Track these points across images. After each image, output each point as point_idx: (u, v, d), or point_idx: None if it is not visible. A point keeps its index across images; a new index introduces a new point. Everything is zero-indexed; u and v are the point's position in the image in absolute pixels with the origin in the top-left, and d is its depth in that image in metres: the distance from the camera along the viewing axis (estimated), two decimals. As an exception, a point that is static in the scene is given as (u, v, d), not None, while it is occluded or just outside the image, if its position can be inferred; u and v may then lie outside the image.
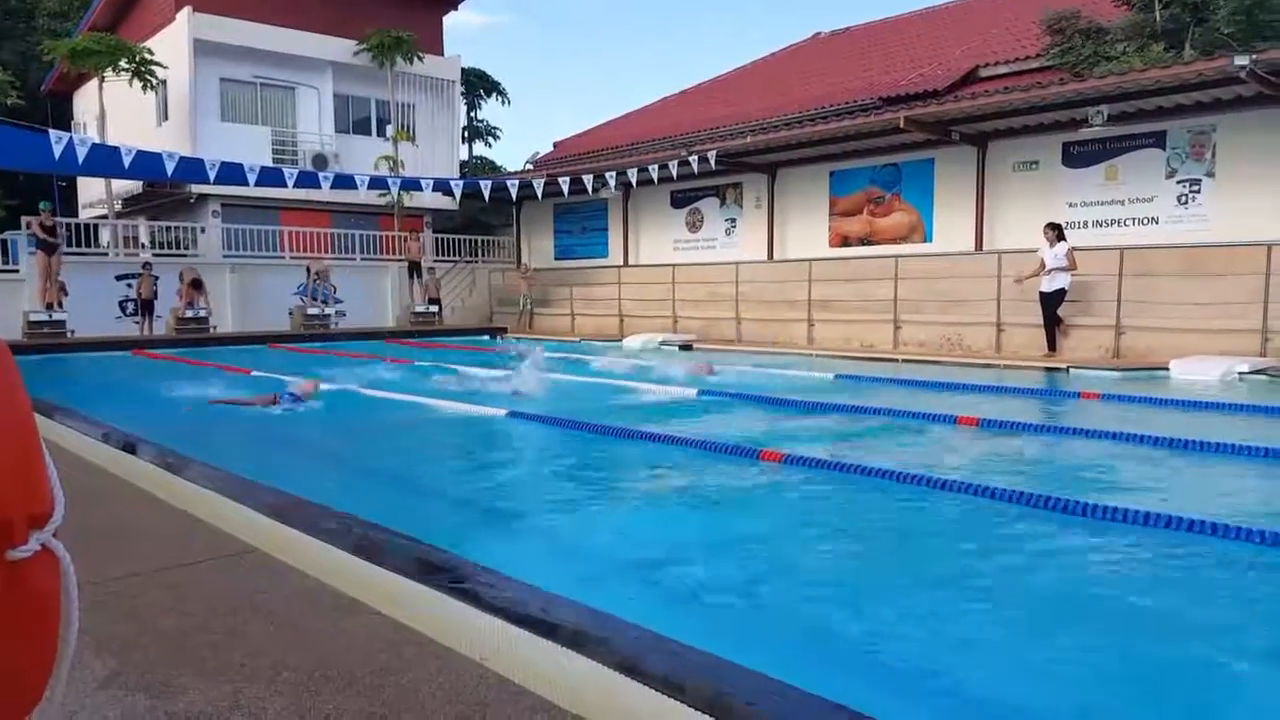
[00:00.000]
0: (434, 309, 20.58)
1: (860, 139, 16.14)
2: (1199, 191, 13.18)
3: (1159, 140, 13.53)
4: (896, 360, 12.95)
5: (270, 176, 16.63)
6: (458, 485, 5.71)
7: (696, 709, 1.87)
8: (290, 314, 18.84)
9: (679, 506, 4.91)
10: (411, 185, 20.25)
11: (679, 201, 20.94)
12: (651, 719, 1.92)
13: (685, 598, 3.42)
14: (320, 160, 22.67)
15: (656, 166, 18.15)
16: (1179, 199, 13.37)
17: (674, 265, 19.36)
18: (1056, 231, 12.32)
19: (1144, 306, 12.13)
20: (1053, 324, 12.43)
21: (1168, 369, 10.15)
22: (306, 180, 17.63)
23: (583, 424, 7.07)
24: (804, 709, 1.94)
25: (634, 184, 19.22)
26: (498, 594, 2.68)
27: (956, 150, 15.62)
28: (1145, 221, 13.67)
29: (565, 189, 19.15)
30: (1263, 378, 9.66)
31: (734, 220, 19.89)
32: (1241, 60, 10.61)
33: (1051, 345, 12.44)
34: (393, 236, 22.99)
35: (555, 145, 29.50)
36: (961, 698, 2.60)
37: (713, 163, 17.31)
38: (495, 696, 2.03)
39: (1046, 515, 4.35)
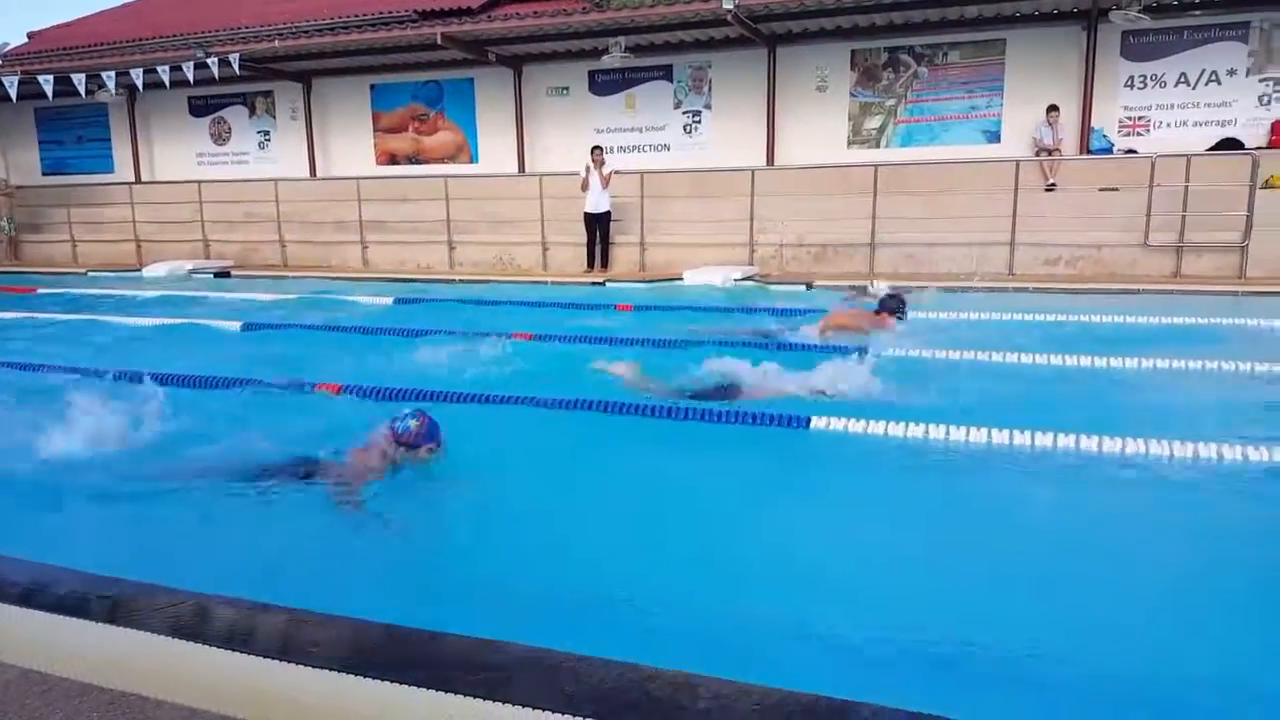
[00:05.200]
0: None
1: (399, 52, 15.68)
2: (700, 122, 15.09)
3: (668, 73, 15.14)
4: (454, 281, 13.13)
5: None
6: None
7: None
8: None
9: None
10: None
11: (199, 110, 18.63)
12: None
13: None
14: None
15: (168, 68, 15.86)
16: (685, 128, 15.18)
17: (200, 182, 17.27)
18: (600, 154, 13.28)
19: (662, 225, 13.69)
20: (596, 243, 13.47)
21: (683, 279, 11.64)
22: None
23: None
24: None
25: (140, 87, 16.58)
26: None
27: (495, 71, 15.94)
28: (660, 148, 15.33)
29: (49, 90, 15.96)
30: (750, 283, 11.55)
31: (268, 133, 18.27)
32: (728, 4, 12.17)
33: (591, 263, 13.53)
34: None
35: (30, 36, 24.22)
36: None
37: (236, 67, 15.57)
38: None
39: (592, 416, 4.83)
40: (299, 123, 17.72)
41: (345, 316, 9.39)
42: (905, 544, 3.37)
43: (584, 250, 13.62)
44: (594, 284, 12.11)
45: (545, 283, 12.50)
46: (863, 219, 12.40)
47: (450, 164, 16.66)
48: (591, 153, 13.27)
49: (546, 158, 15.83)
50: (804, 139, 14.36)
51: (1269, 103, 12.30)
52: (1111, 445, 4.24)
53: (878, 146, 14.10)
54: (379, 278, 13.69)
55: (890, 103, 14.03)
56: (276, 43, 15.80)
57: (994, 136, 13.57)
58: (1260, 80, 12.31)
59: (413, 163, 17.06)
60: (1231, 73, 12.40)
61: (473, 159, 16.66)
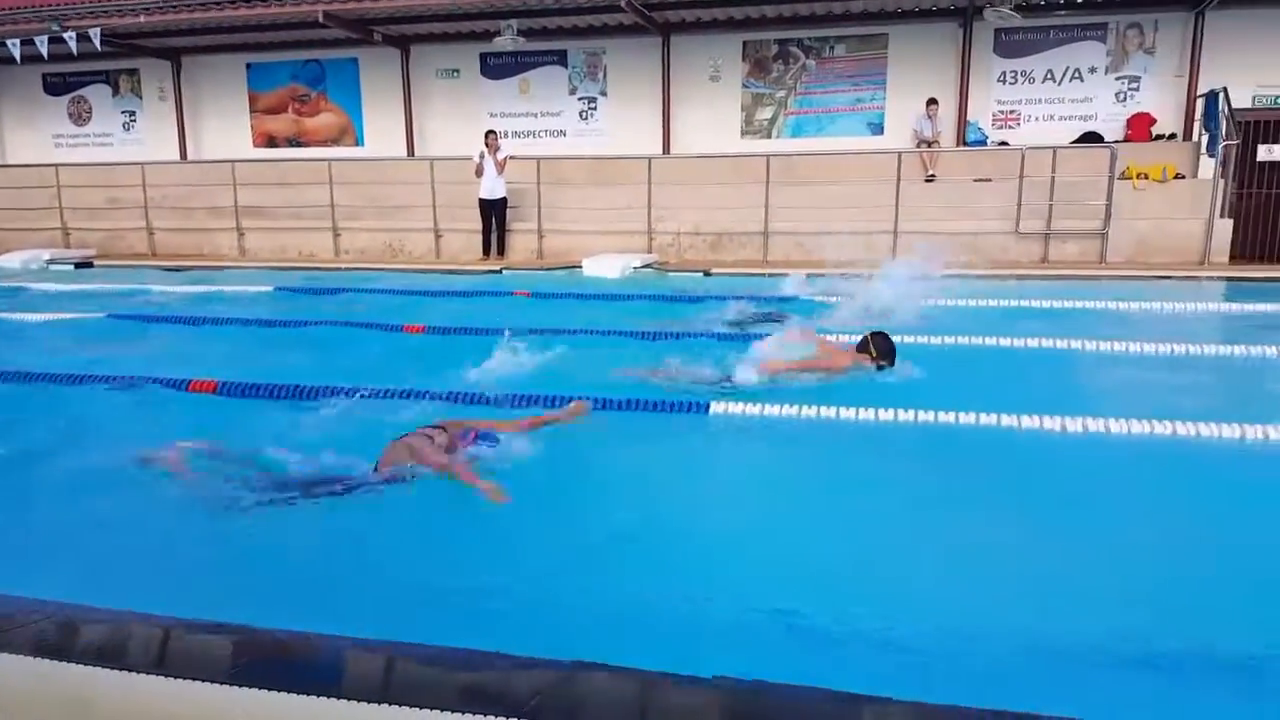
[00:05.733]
0: None
1: (276, 30, 14.98)
2: (596, 108, 15.04)
3: (562, 59, 15.01)
4: (340, 269, 12.69)
5: None
6: None
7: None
8: None
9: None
10: None
11: (56, 88, 17.39)
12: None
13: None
14: None
15: (18, 42, 14.72)
16: (581, 114, 15.10)
17: (58, 165, 16.10)
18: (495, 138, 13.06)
19: (560, 212, 13.59)
20: (491, 230, 13.25)
21: (581, 266, 11.59)
22: None
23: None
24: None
25: (-13, 62, 15.36)
26: None
27: (381, 51, 15.45)
28: (556, 134, 15.20)
29: (-123, 62, 14.58)
30: (650, 271, 11.61)
31: (133, 113, 17.21)
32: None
33: (487, 250, 13.31)
34: None
35: None
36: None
37: (97, 43, 14.58)
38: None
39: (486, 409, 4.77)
40: (168, 103, 16.76)
41: (220, 308, 8.95)
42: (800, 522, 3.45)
43: (479, 237, 13.39)
44: (490, 272, 11.93)
45: (439, 270, 12.22)
46: (756, 208, 12.62)
47: (334, 147, 16.08)
48: (486, 137, 13.04)
49: (437, 141, 15.46)
50: (699, 128, 14.52)
51: (1125, 99, 13.14)
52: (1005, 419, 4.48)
53: (769, 137, 14.37)
54: (258, 266, 13.08)
55: (781, 94, 14.31)
56: (142, 18, 14.84)
57: (878, 128, 14.03)
58: (1117, 78, 13.13)
59: (293, 145, 16.39)
60: (1092, 70, 13.18)
61: (358, 141, 16.13)
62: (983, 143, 13.46)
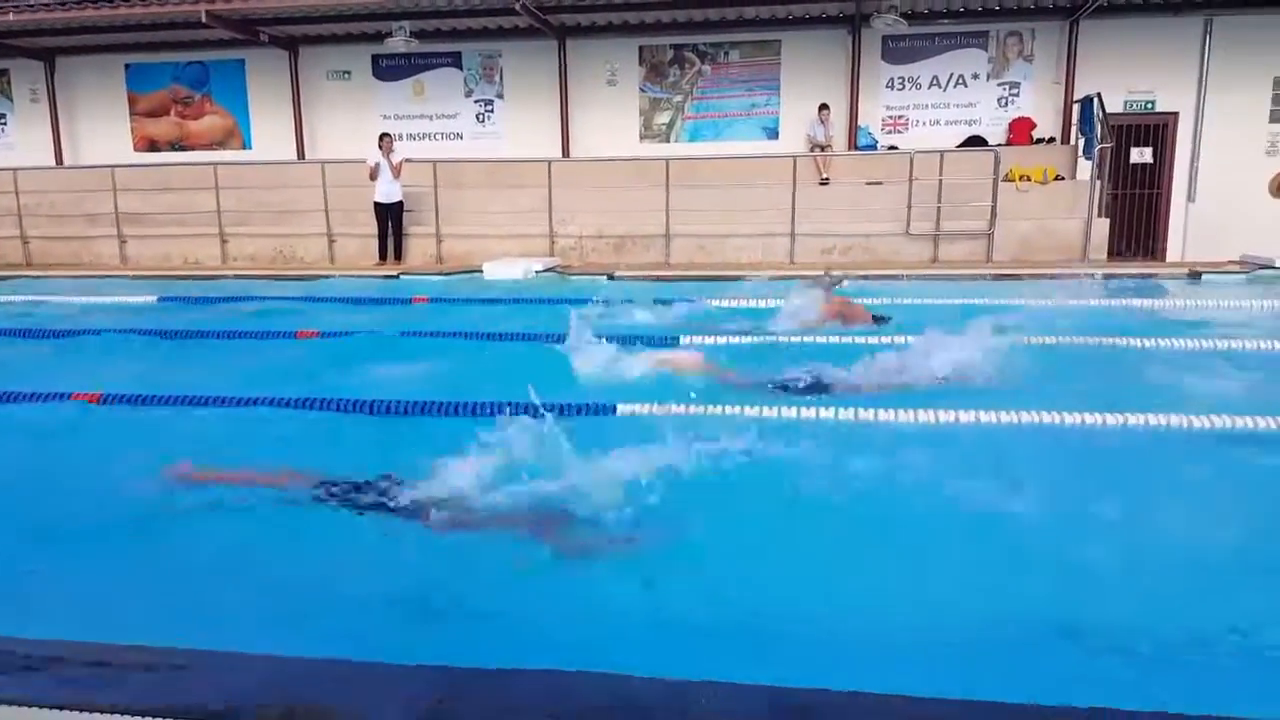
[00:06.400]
0: None
1: (157, 30, 14.31)
2: (493, 111, 14.88)
3: (456, 61, 14.80)
4: (227, 277, 12.18)
5: None
6: None
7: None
8: None
9: None
10: None
11: (-89, 88, 16.23)
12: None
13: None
14: None
15: None
16: (478, 117, 14.92)
17: (-84, 171, 15.01)
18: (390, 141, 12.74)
19: (458, 215, 13.37)
20: (388, 234, 12.92)
21: (482, 271, 11.42)
22: None
23: None
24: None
25: None
26: None
27: (268, 53, 14.94)
28: (452, 136, 14.97)
29: None
30: (552, 274, 11.53)
31: (3, 116, 16.22)
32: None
33: (383, 255, 12.98)
34: None
35: None
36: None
37: (-42, 41, 13.69)
38: None
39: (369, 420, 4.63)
40: (41, 105, 15.85)
41: (100, 317, 8.48)
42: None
43: (374, 242, 13.05)
44: (387, 277, 11.64)
45: (333, 276, 11.86)
46: (658, 211, 12.68)
47: (220, 150, 15.46)
48: (380, 140, 12.73)
49: (329, 144, 15.04)
50: (598, 131, 14.52)
51: (1007, 104, 13.73)
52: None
53: (668, 141, 14.48)
54: (140, 275, 12.45)
55: (678, 99, 14.44)
56: (11, 15, 13.97)
57: (773, 133, 14.30)
58: (999, 84, 13.72)
59: (177, 149, 15.70)
60: (975, 77, 13.73)
61: (245, 145, 15.56)
62: (873, 147, 13.86)
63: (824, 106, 13.50)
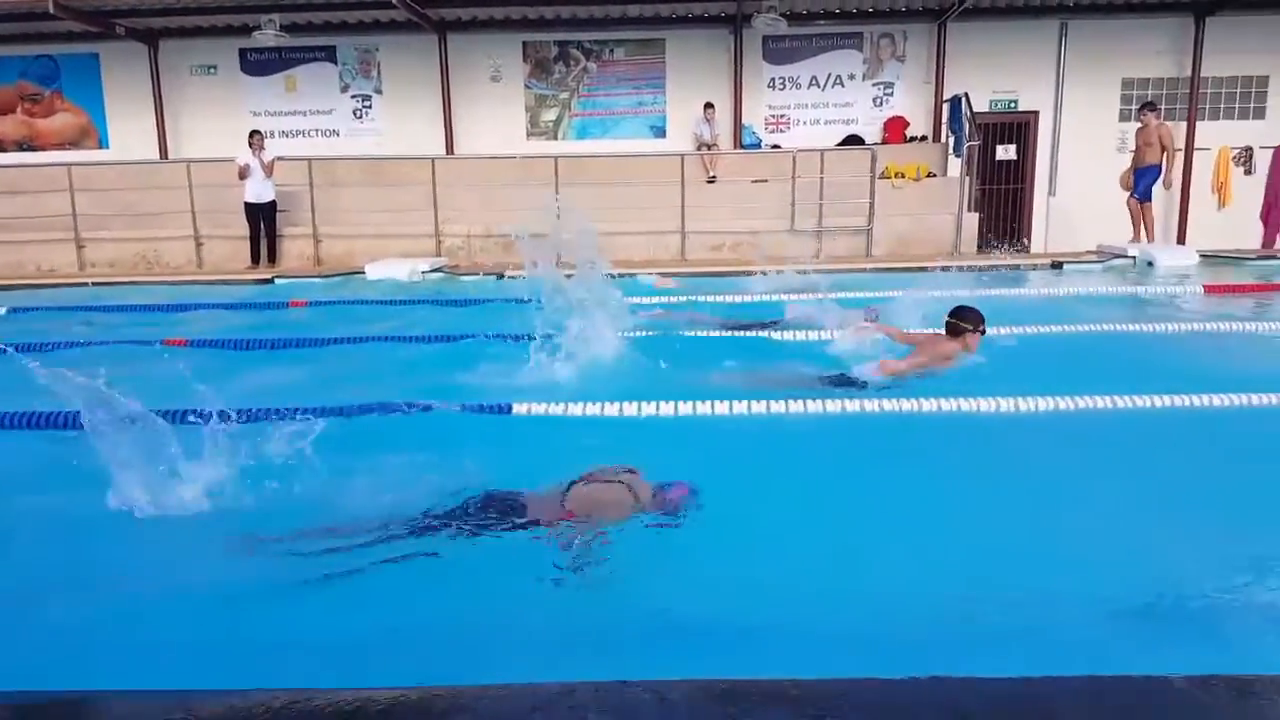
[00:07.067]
0: None
1: (1, 21, 13.22)
2: (371, 107, 14.40)
3: (331, 55, 14.26)
4: (86, 284, 11.35)
5: None
6: None
7: None
8: None
9: None
10: None
11: None
12: None
13: None
14: None
15: None
16: (355, 113, 14.41)
17: None
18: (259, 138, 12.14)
19: (336, 214, 12.87)
20: (260, 236, 12.32)
21: (364, 272, 11.02)
22: None
23: None
24: None
25: None
26: None
27: (125, 46, 14.04)
28: (328, 133, 14.41)
29: None
30: (439, 275, 11.22)
31: None
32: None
33: (256, 258, 12.38)
34: None
35: None
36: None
37: None
38: None
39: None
40: None
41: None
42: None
43: (247, 244, 12.42)
44: (260, 281, 11.09)
45: (201, 282, 11.21)
46: (548, 209, 12.50)
47: (74, 150, 14.43)
48: (250, 137, 12.12)
49: (194, 142, 14.24)
50: (483, 129, 14.25)
51: (882, 104, 14.19)
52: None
53: (555, 138, 14.35)
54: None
55: (564, 96, 14.32)
56: None
57: (660, 131, 14.36)
58: (874, 84, 14.16)
59: (25, 149, 14.57)
60: (852, 77, 14.14)
61: (102, 144, 14.58)
62: (758, 146, 14.09)
63: (709, 105, 13.64)
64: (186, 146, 14.26)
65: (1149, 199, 11.87)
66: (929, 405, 4.57)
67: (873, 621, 2.51)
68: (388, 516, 3.09)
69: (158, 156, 14.14)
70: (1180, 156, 13.19)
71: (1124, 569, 2.82)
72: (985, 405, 4.57)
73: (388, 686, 1.61)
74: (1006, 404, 4.58)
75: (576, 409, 4.64)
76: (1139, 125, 11.98)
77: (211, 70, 14.34)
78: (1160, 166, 11.64)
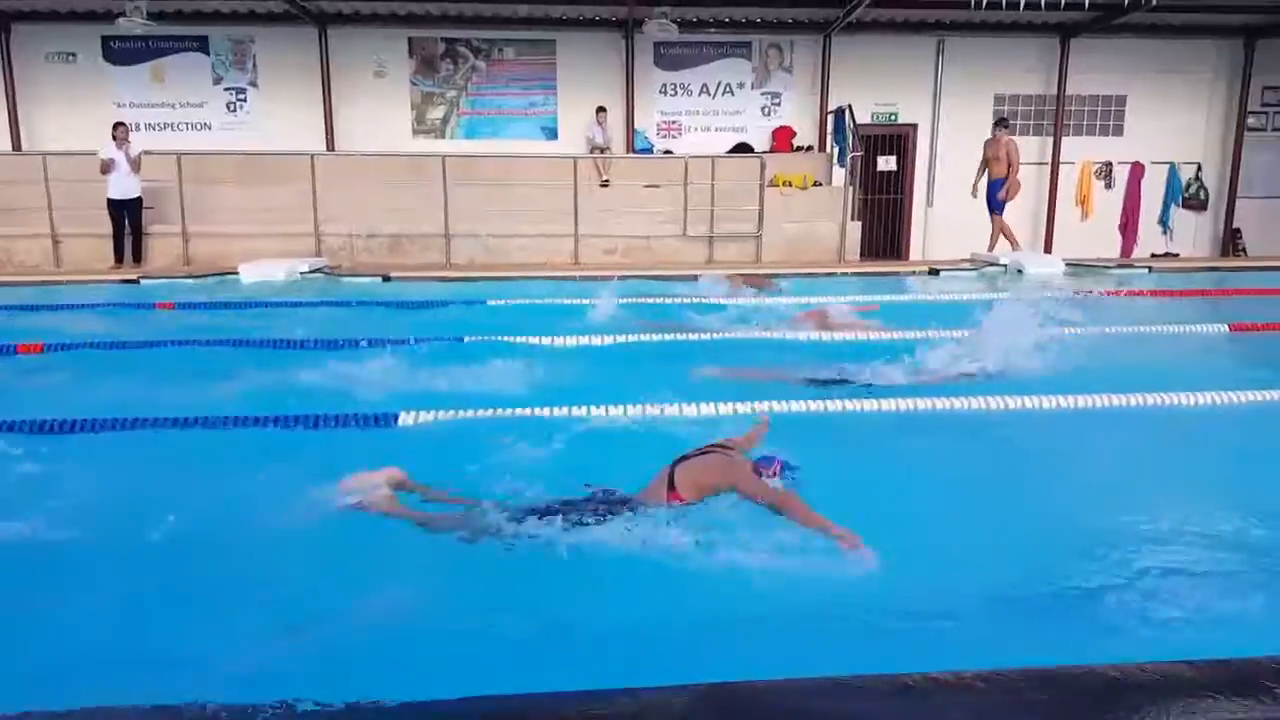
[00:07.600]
0: None
1: None
2: (246, 100, 13.74)
3: (203, 45, 13.54)
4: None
5: None
6: None
7: None
8: None
9: None
10: None
11: None
12: None
13: None
14: None
15: None
16: (229, 106, 13.72)
17: None
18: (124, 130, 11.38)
19: (208, 213, 12.19)
20: (125, 234, 11.55)
21: (238, 273, 10.46)
22: None
23: None
24: None
25: None
26: None
27: (-31, 28, 12.96)
28: (199, 127, 13.68)
29: None
30: (320, 275, 10.77)
31: None
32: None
33: (120, 257, 11.60)
34: None
35: None
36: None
37: None
38: None
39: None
40: None
41: None
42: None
43: (109, 243, 11.63)
44: (125, 281, 10.39)
45: (59, 283, 10.42)
46: (436, 209, 12.20)
47: (-90, 140, 13.23)
48: (114, 130, 11.36)
49: (50, 134, 13.27)
50: (367, 125, 13.82)
51: (770, 113, 14.48)
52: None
53: (443, 137, 14.03)
54: None
55: (452, 94, 14.03)
56: None
57: (552, 133, 14.24)
58: (763, 93, 14.44)
59: None
60: (741, 85, 14.38)
61: (-56, 135, 13.41)
62: (650, 151, 14.14)
63: (601, 109, 13.61)
64: (43, 138, 13.28)
65: (1000, 211, 12.57)
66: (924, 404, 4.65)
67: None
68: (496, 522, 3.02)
69: (9, 148, 13.12)
70: (1046, 170, 13.94)
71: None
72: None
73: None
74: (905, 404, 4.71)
75: (469, 413, 4.50)
76: (988, 138, 12.64)
77: (70, 58, 13.39)
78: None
